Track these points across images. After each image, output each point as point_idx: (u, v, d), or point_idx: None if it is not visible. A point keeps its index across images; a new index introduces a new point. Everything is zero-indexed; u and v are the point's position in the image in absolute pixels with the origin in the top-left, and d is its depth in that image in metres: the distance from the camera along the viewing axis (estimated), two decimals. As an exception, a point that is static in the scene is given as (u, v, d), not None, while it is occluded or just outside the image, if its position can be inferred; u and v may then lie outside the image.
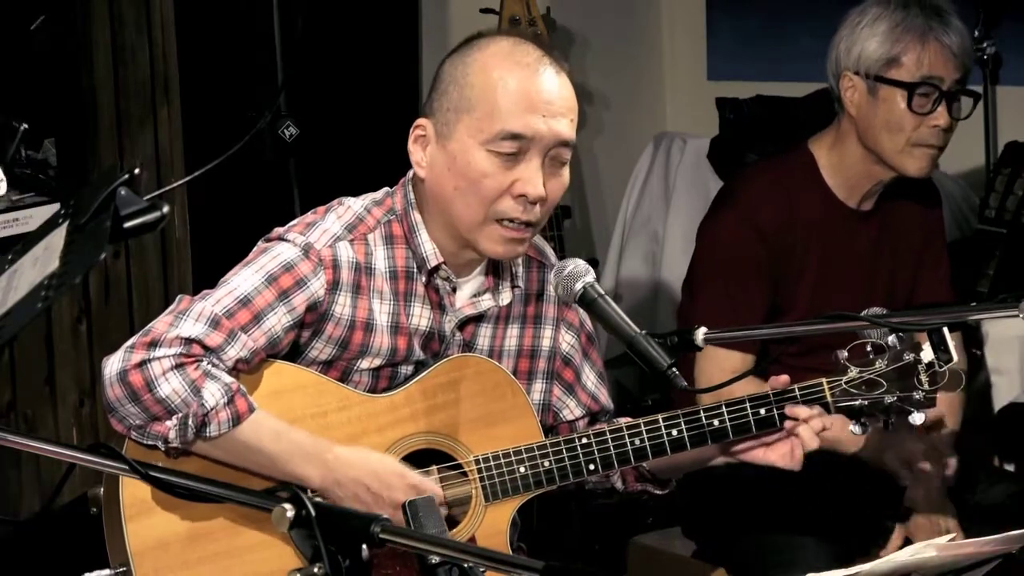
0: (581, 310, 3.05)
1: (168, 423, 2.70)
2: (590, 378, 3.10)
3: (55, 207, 4.05)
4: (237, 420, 2.72)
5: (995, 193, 4.53)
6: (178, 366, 2.69)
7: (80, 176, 4.40)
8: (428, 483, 2.80)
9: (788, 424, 2.91)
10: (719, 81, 5.75)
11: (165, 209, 2.07)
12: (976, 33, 4.63)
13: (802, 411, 2.91)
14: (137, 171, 2.06)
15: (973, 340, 4.28)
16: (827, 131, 3.69)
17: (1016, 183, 4.50)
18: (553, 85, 2.82)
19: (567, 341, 3.07)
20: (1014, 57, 4.95)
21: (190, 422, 2.69)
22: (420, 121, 2.86)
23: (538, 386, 3.04)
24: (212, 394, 2.70)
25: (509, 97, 2.79)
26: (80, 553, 2.77)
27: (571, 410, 3.08)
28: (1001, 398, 4.31)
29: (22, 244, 2.16)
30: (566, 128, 2.82)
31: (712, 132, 5.19)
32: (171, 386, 2.68)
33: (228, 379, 2.73)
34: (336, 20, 5.07)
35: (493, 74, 2.80)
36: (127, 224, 2.05)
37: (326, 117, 4.95)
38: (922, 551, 2.36)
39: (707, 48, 5.88)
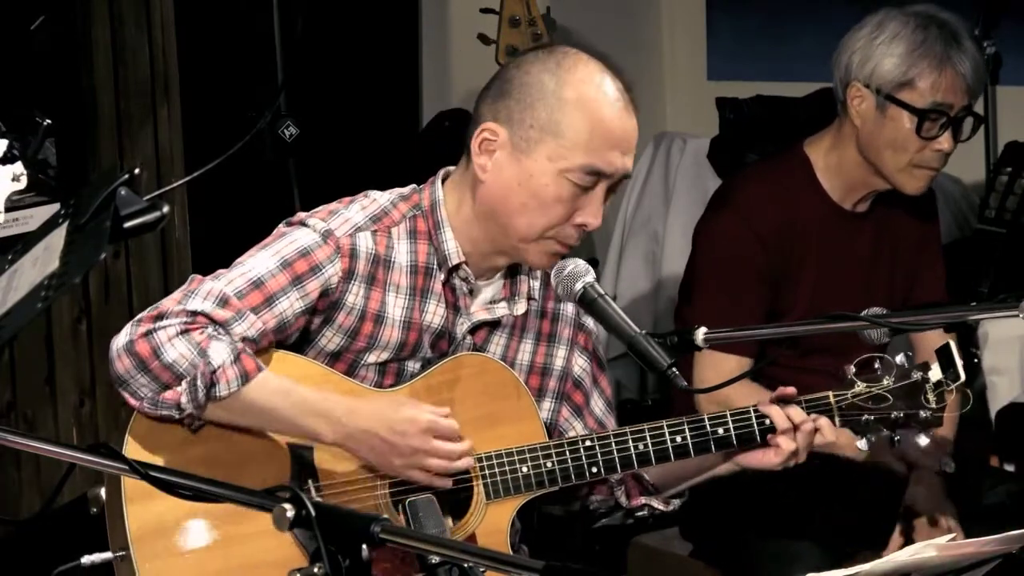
0: (594, 336, 3.07)
1: (179, 388, 2.70)
2: (599, 404, 3.10)
3: (55, 207, 4.05)
4: (245, 378, 2.71)
5: (995, 193, 4.53)
6: (183, 332, 2.70)
7: (80, 176, 4.40)
8: (443, 423, 2.79)
9: (771, 438, 2.92)
10: (719, 81, 5.75)
11: (165, 209, 2.08)
12: (976, 33, 4.63)
13: (796, 414, 2.91)
14: (137, 171, 2.07)
15: (971, 341, 4.28)
16: (824, 133, 3.69)
17: (1016, 183, 4.50)
18: (632, 123, 2.88)
19: (579, 365, 3.08)
20: (1014, 57, 4.95)
21: (199, 383, 2.69)
22: (491, 126, 2.85)
23: (547, 405, 3.03)
24: (218, 352, 2.70)
25: (599, 133, 2.82)
26: (80, 553, 2.77)
27: (577, 432, 3.06)
28: (1001, 398, 4.31)
29: (22, 244, 2.16)
30: (631, 162, 2.88)
31: (712, 132, 5.19)
32: (177, 350, 2.69)
33: (234, 340, 2.73)
34: (336, 20, 5.07)
35: (587, 104, 2.82)
36: (127, 224, 2.05)
37: (326, 117, 4.95)
38: (922, 551, 2.36)
39: (707, 48, 5.89)
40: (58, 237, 2.08)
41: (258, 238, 2.91)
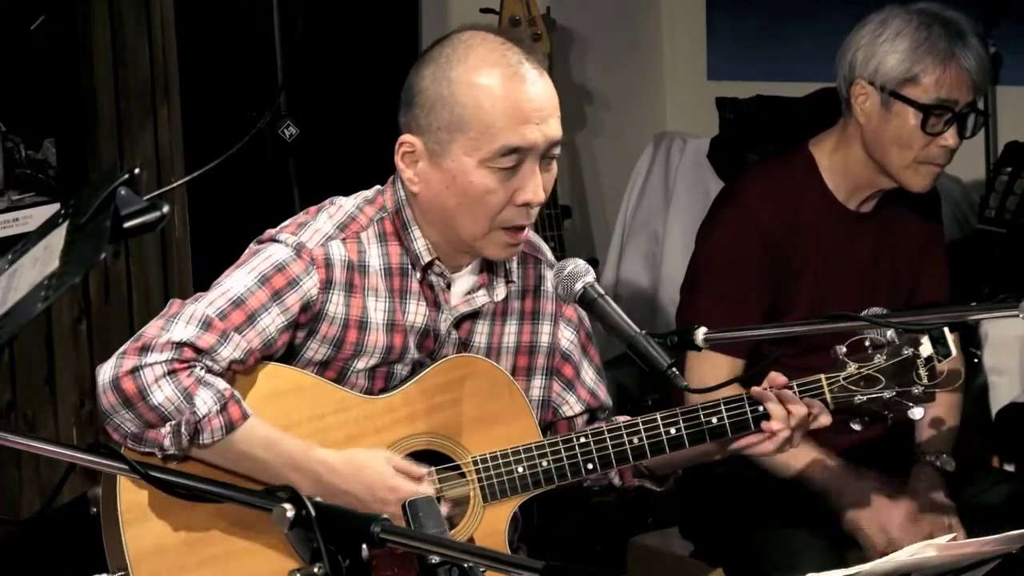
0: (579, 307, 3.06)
1: (163, 430, 2.70)
2: (589, 374, 3.10)
3: (55, 207, 4.05)
4: (231, 427, 2.72)
5: (995, 193, 4.53)
6: (170, 372, 2.69)
7: (80, 176, 4.40)
8: (424, 490, 2.80)
9: (766, 425, 2.92)
10: (719, 81, 5.75)
11: (165, 209, 2.07)
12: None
13: (790, 400, 2.91)
14: (137, 171, 2.06)
15: (971, 341, 4.28)
16: (829, 133, 3.69)
17: (1016, 183, 4.51)
18: (539, 89, 2.81)
19: (566, 337, 3.07)
20: (1014, 57, 4.96)
21: (183, 429, 2.69)
22: (406, 138, 2.85)
23: (537, 382, 3.04)
24: (204, 401, 2.70)
25: (502, 112, 2.78)
26: (80, 553, 2.78)
27: (570, 406, 3.08)
28: (1001, 398, 4.31)
29: (22, 244, 2.16)
30: (556, 128, 2.83)
31: (712, 132, 5.19)
32: (164, 394, 2.68)
33: (222, 385, 2.72)
34: (336, 20, 5.07)
35: (482, 89, 2.78)
36: (127, 224, 2.05)
37: (326, 117, 4.94)
38: (922, 551, 2.36)
39: (707, 48, 5.88)
40: (58, 237, 2.08)
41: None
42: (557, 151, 2.85)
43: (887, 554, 3.11)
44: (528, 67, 2.81)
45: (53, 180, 4.38)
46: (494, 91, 2.78)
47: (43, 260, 2.08)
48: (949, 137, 3.54)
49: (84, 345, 4.49)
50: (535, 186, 2.81)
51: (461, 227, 2.83)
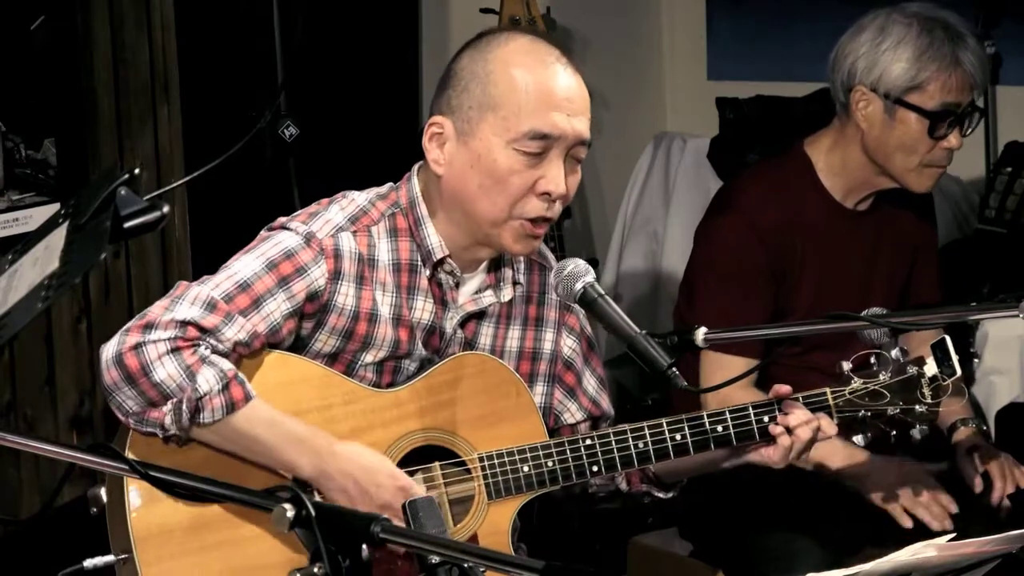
0: (582, 315, 3.07)
1: (164, 408, 2.70)
2: (591, 383, 3.11)
3: (55, 207, 4.05)
4: (232, 407, 2.72)
5: (995, 193, 4.53)
6: (174, 350, 2.69)
7: (80, 176, 4.40)
8: (419, 488, 2.80)
9: (774, 429, 2.92)
10: (719, 81, 5.75)
11: (165, 209, 2.08)
12: (976, 31, 4.63)
13: (793, 419, 2.92)
14: (137, 171, 2.07)
15: (965, 341, 4.28)
16: (824, 133, 3.69)
17: (1016, 183, 4.51)
18: (573, 85, 2.87)
19: (568, 345, 3.08)
20: (1014, 57, 4.96)
21: (184, 407, 2.69)
22: (437, 119, 2.87)
23: (539, 389, 3.04)
24: (207, 380, 2.70)
25: (534, 95, 2.81)
26: (80, 553, 2.77)
27: (572, 414, 3.09)
28: (1001, 398, 4.31)
29: (22, 244, 2.16)
30: (585, 127, 2.86)
31: (712, 132, 5.19)
32: (166, 371, 2.68)
33: (226, 365, 2.73)
34: (336, 20, 5.07)
35: (517, 72, 2.82)
36: (127, 224, 2.05)
37: (326, 117, 4.95)
38: (922, 551, 2.36)
39: (707, 48, 5.88)
40: (58, 237, 2.08)
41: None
42: (583, 153, 2.88)
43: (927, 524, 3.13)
44: (564, 64, 2.87)
45: (53, 180, 4.38)
46: (528, 75, 2.82)
47: (43, 260, 2.08)
48: (953, 139, 3.55)
49: (84, 345, 4.49)
50: (558, 177, 2.82)
51: (480, 212, 2.84)
